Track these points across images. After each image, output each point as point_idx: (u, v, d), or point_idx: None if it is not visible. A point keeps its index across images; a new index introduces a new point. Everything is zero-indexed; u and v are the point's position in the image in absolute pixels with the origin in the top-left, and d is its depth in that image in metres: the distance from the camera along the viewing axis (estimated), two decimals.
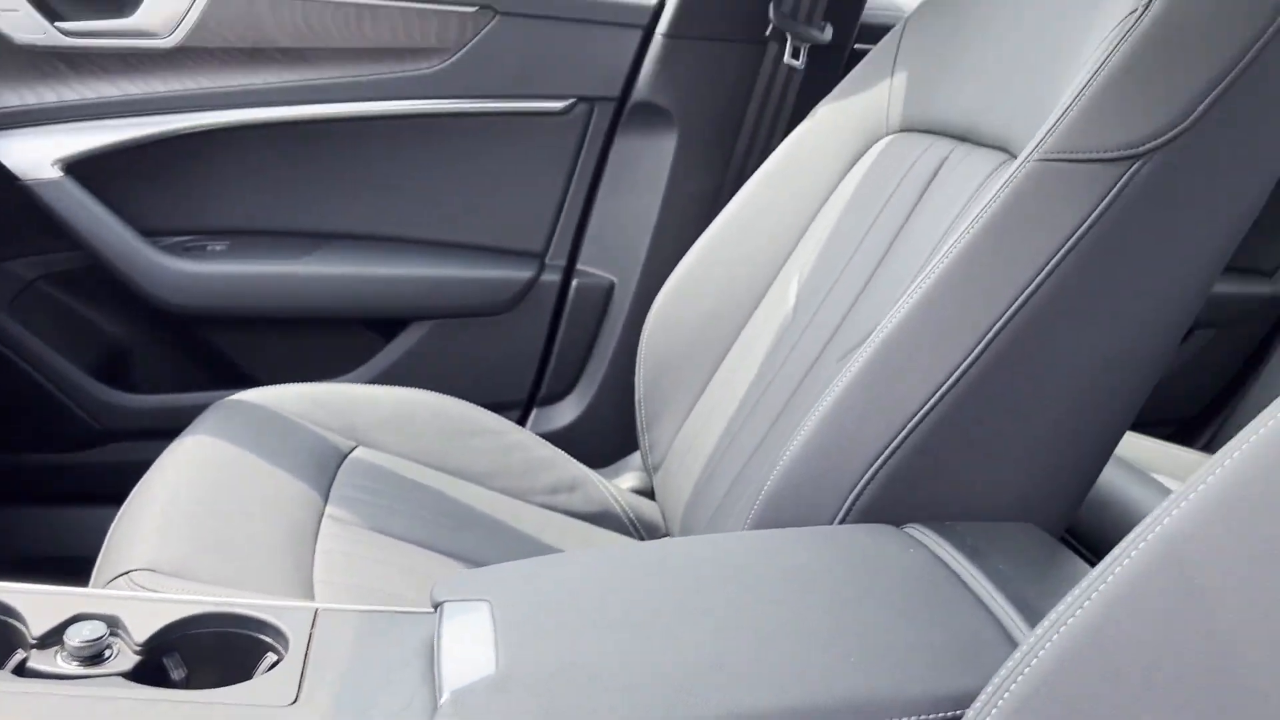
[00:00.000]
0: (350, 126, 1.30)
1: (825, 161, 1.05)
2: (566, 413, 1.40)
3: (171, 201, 1.30)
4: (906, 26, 1.03)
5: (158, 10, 1.20)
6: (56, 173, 1.23)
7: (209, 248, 1.32)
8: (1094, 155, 0.70)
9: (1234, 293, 1.62)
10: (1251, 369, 1.69)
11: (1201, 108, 0.69)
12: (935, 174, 0.92)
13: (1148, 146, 0.70)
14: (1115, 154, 0.70)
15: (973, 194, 0.82)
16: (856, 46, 1.33)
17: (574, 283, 1.38)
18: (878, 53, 1.04)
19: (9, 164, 1.22)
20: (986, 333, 0.69)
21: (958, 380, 0.70)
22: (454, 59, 1.28)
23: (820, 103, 1.08)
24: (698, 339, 1.06)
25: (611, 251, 1.37)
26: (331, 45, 1.26)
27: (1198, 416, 1.73)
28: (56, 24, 1.19)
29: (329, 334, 1.39)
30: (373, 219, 1.36)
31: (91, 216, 1.24)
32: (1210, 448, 1.65)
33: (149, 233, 1.28)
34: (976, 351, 0.70)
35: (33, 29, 1.19)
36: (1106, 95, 0.71)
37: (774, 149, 1.10)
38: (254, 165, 1.30)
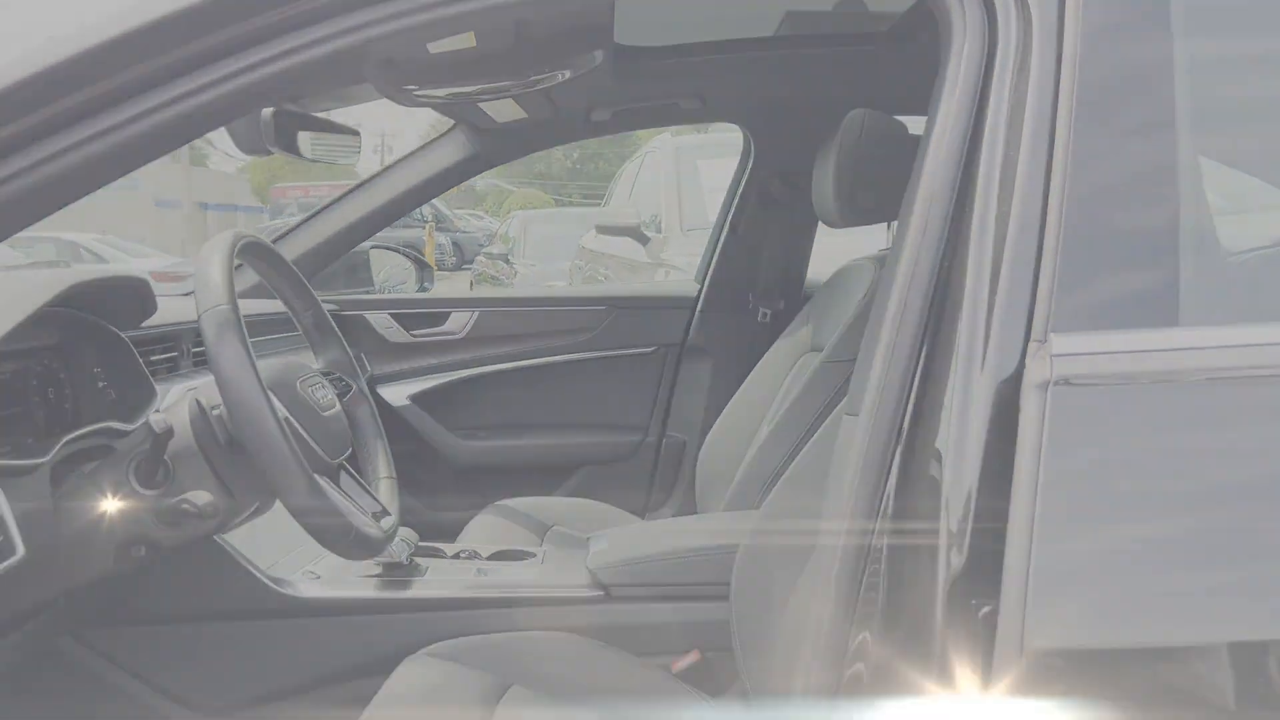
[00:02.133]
0: (544, 368, 2.57)
1: (777, 370, 2.23)
2: (665, 512, 2.58)
3: (462, 413, 2.58)
4: (814, 295, 2.23)
5: (456, 321, 2.53)
6: (408, 402, 2.53)
7: (479, 434, 2.59)
8: (841, 358, 1.86)
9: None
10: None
11: None
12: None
13: None
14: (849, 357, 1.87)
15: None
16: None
17: (663, 441, 2.58)
18: (802, 314, 2.23)
19: (388, 399, 2.53)
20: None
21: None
22: (596, 332, 2.56)
23: (778, 339, 2.28)
24: (724, 456, 2.23)
25: (682, 422, 2.57)
26: (536, 330, 2.56)
27: None
28: (412, 331, 2.53)
29: (540, 476, 2.62)
30: (560, 413, 2.61)
31: (426, 423, 2.54)
32: None
33: (451, 427, 2.56)
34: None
35: (400, 335, 2.53)
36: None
37: (756, 364, 2.28)
38: (498, 393, 2.58)
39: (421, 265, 2.82)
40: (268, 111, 1.67)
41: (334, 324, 1.56)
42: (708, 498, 2.25)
